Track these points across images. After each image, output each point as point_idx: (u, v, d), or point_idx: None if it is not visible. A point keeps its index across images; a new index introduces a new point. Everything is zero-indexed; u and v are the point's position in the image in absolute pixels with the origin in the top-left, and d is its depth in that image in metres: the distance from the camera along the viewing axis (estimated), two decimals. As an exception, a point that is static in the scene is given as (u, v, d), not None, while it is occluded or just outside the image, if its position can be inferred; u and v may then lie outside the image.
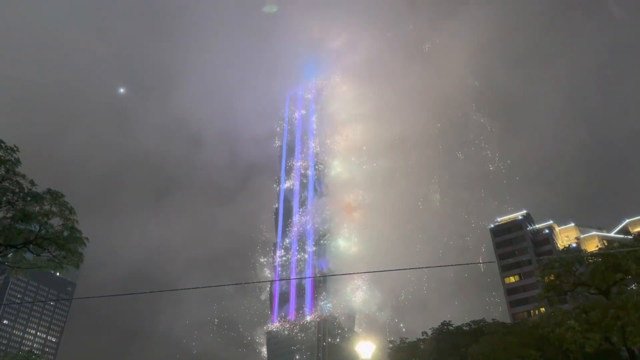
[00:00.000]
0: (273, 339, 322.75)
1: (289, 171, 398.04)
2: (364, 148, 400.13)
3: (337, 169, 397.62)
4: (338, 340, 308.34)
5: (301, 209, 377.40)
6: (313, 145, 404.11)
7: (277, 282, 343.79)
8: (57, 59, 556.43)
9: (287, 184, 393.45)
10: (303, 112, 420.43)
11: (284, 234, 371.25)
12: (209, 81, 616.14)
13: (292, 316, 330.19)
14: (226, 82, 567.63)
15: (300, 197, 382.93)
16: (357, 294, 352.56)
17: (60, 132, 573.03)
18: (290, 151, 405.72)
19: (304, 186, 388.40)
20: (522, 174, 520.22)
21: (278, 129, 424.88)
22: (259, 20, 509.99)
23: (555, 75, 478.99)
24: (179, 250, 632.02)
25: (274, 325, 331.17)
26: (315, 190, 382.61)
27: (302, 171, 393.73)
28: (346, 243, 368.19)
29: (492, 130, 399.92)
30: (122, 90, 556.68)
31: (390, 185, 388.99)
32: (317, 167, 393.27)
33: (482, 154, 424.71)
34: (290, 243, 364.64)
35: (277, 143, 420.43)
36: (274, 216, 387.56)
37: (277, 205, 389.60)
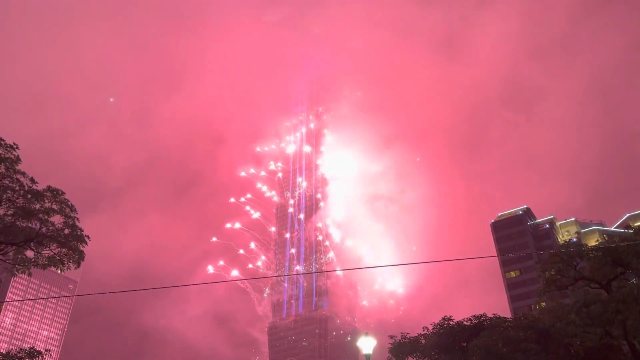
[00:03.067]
0: (275, 336, 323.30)
1: (298, 170, 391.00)
2: (379, 143, 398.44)
3: (353, 164, 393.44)
4: (340, 336, 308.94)
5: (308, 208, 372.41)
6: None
7: (275, 279, 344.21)
8: (78, 55, 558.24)
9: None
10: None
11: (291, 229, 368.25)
12: (230, 78, 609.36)
13: (294, 313, 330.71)
14: (247, 79, 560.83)
15: (310, 197, 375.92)
16: (361, 291, 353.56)
17: (81, 128, 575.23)
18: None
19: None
20: (541, 168, 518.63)
21: (283, 134, 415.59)
22: (278, 17, 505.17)
23: (579, 68, 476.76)
24: (190, 247, 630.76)
25: (276, 321, 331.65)
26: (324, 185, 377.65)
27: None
28: (357, 241, 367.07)
29: (513, 127, 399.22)
30: (144, 87, 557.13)
31: (411, 181, 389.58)
32: (331, 164, 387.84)
33: (504, 149, 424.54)
34: (294, 241, 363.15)
35: (284, 145, 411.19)
36: (279, 215, 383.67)
37: (279, 205, 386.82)
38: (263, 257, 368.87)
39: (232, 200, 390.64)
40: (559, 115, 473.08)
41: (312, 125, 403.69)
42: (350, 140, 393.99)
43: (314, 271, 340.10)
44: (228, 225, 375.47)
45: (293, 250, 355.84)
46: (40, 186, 30.91)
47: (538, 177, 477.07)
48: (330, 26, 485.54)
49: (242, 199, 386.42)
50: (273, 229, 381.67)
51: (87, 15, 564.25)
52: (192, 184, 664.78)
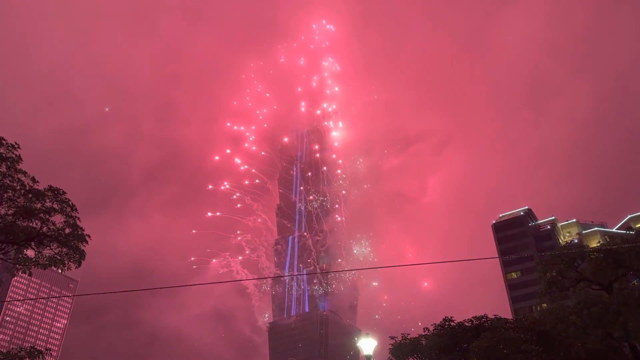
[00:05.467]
0: (275, 335, 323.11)
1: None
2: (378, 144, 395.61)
3: (369, 161, 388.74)
4: (341, 336, 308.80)
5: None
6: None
7: (281, 278, 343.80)
8: (99, 53, 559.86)
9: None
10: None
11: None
12: (251, 78, 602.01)
13: (295, 313, 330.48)
14: (267, 80, 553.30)
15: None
16: (362, 291, 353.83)
17: (101, 125, 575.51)
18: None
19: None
20: (544, 168, 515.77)
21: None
22: (297, 16, 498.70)
23: (601, 65, 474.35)
24: (200, 247, 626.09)
25: (277, 321, 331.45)
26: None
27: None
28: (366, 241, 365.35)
29: (529, 126, 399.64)
30: (165, 84, 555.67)
31: (429, 180, 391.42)
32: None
33: (516, 149, 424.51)
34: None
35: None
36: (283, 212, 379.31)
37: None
38: (246, 253, 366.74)
39: (210, 187, 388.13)
40: (569, 115, 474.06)
41: (312, 131, 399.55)
42: (365, 138, 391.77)
43: (313, 272, 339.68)
44: (209, 214, 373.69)
45: (305, 233, 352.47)
46: (41, 185, 30.97)
47: (541, 177, 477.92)
48: (348, 24, 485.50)
49: (222, 187, 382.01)
50: (259, 220, 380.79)
51: (109, 14, 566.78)
52: (209, 183, 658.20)
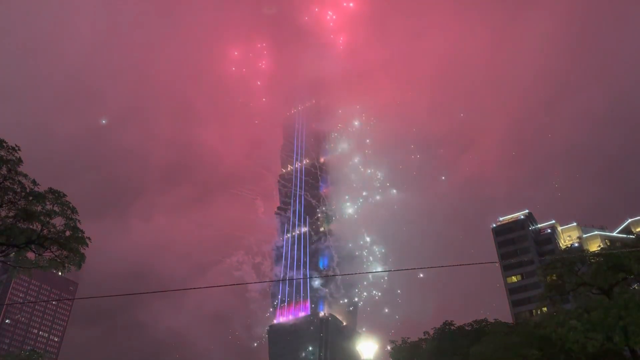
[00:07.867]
0: (275, 337, 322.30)
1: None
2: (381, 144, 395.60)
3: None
4: (342, 339, 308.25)
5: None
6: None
7: (281, 279, 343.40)
8: (117, 53, 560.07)
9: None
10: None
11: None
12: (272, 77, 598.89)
13: (295, 314, 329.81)
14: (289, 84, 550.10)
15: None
16: (363, 294, 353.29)
17: (118, 126, 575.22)
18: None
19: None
20: (545, 170, 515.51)
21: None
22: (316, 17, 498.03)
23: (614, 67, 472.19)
24: (207, 249, 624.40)
25: (277, 323, 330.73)
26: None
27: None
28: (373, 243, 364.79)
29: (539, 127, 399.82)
30: (182, 86, 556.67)
31: (442, 183, 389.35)
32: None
33: (532, 152, 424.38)
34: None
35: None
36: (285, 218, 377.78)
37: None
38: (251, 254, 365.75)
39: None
40: (572, 118, 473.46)
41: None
42: (379, 138, 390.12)
43: (314, 276, 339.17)
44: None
45: (311, 235, 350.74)
46: (42, 187, 30.96)
47: (542, 179, 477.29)
48: (363, 32, 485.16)
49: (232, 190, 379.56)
50: (261, 221, 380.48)
51: (126, 14, 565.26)
52: (220, 185, 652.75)
